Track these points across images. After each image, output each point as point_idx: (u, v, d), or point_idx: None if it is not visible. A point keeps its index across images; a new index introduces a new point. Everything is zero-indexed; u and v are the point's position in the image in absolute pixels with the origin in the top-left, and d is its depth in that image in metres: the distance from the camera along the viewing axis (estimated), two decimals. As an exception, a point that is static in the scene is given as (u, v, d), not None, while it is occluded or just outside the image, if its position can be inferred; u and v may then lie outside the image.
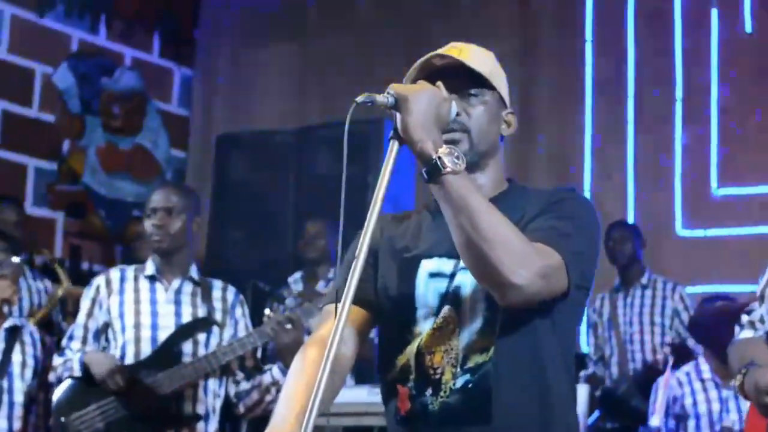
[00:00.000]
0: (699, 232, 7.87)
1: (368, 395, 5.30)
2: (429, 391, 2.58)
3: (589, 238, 2.61)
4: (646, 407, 5.95)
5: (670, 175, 8.13)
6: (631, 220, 8.09)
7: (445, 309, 2.59)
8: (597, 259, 2.66)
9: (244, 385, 4.89)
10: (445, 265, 2.61)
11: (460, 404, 2.54)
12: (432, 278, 2.62)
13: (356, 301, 2.58)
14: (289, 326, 4.66)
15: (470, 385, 2.54)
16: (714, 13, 8.18)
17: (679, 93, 8.24)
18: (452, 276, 2.60)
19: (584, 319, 8.08)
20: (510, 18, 8.77)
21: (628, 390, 6.85)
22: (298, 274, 7.04)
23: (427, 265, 2.64)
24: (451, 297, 2.59)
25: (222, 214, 8.24)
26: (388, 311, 2.68)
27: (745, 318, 3.49)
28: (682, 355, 6.47)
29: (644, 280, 7.22)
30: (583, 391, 6.16)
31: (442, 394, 2.56)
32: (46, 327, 6.17)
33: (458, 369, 2.55)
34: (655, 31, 8.41)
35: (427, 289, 2.62)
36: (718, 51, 8.13)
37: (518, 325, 2.54)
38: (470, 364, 2.55)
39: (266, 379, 4.84)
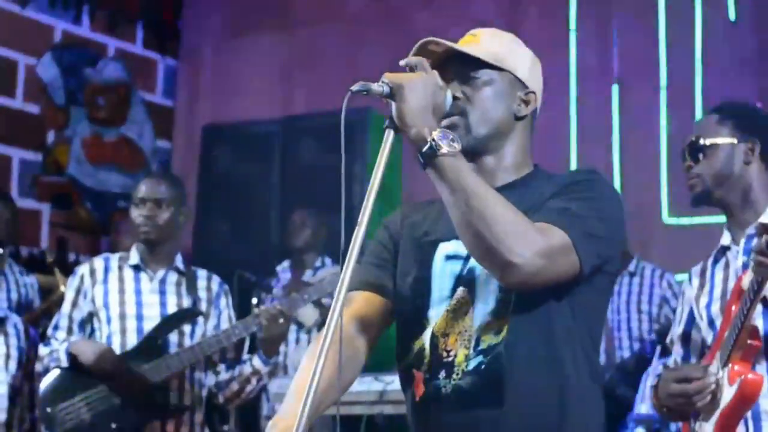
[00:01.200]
0: (685, 220, 7.88)
1: (358, 384, 5.30)
2: (442, 374, 2.56)
3: (607, 220, 2.55)
4: (632, 395, 5.95)
5: (655, 163, 8.14)
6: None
7: (459, 290, 2.59)
8: (620, 241, 2.61)
9: (224, 376, 4.87)
10: (461, 247, 2.57)
11: (473, 386, 2.52)
12: (448, 260, 2.62)
13: (374, 289, 2.67)
14: (281, 320, 4.64)
15: (483, 367, 2.52)
16: (698, 1, 8.19)
17: (663, 81, 8.24)
18: (467, 258, 2.59)
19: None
20: (495, 8, 8.76)
21: (614, 378, 6.86)
22: (286, 263, 7.05)
23: (444, 248, 2.64)
24: (465, 278, 2.59)
25: (208, 204, 8.24)
26: (404, 296, 2.67)
27: (660, 367, 3.61)
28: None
29: (632, 268, 7.22)
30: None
31: (454, 376, 2.54)
32: (32, 320, 6.15)
33: (471, 351, 2.54)
34: (638, 18, 8.41)
35: (443, 271, 2.62)
36: (702, 38, 8.13)
37: (532, 307, 2.51)
38: (483, 345, 2.53)
39: (246, 369, 4.82)
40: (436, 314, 2.60)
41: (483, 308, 2.55)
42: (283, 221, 7.25)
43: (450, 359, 2.55)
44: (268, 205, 7.93)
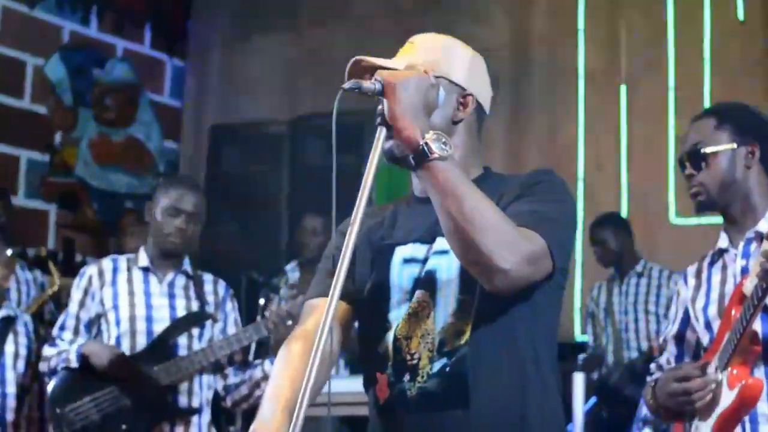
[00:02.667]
0: (693, 220, 7.87)
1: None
2: (407, 377, 2.57)
3: (568, 221, 2.60)
4: (640, 396, 5.95)
5: (663, 164, 8.13)
6: (624, 209, 8.09)
7: (418, 293, 2.59)
8: (575, 240, 2.65)
9: (233, 379, 4.89)
10: (419, 250, 2.61)
11: (438, 389, 2.53)
12: (406, 264, 2.62)
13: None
14: (290, 322, 4.64)
15: (447, 369, 2.53)
16: (706, 1, 8.18)
17: (671, 81, 8.23)
18: (425, 260, 2.60)
19: (579, 306, 8.12)
20: (503, 8, 8.76)
21: (622, 378, 6.85)
22: (294, 263, 7.05)
23: (401, 252, 2.64)
24: (424, 281, 2.59)
25: (216, 205, 8.23)
26: (365, 301, 2.68)
27: (652, 365, 3.59)
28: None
29: (639, 268, 7.22)
30: (579, 379, 6.17)
31: (419, 379, 2.55)
32: (40, 318, 6.15)
33: (435, 353, 2.54)
34: (647, 18, 8.40)
35: (401, 274, 2.62)
36: (711, 39, 8.12)
37: (495, 308, 2.52)
38: (447, 347, 2.54)
39: (257, 373, 4.84)
40: (397, 317, 2.61)
41: (444, 310, 2.55)
42: (291, 221, 7.25)
43: (414, 362, 2.56)
44: (276, 205, 7.94)
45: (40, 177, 8.73)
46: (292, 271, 6.99)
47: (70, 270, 6.89)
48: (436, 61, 2.64)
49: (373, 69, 2.52)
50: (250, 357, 4.98)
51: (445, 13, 8.53)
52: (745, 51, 7.97)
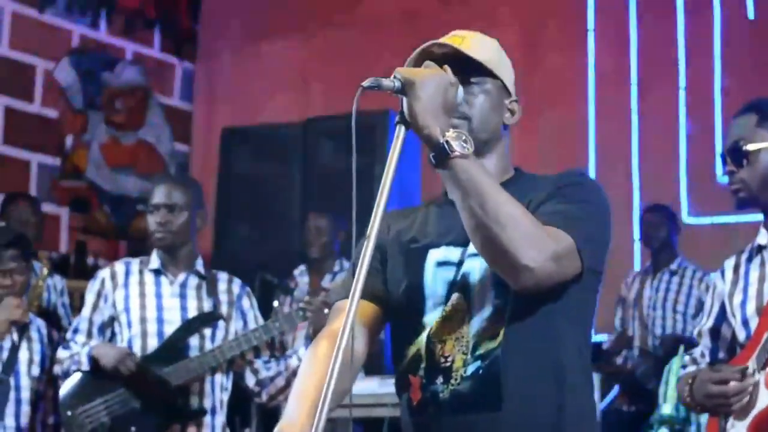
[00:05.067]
0: (705, 220, 7.87)
1: (379, 386, 5.31)
2: (440, 380, 2.56)
3: (599, 222, 2.59)
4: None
5: (675, 163, 8.12)
6: (636, 209, 8.08)
7: (454, 297, 2.58)
8: (609, 242, 2.63)
9: (266, 373, 4.89)
10: (453, 253, 2.59)
11: (471, 391, 2.53)
12: (440, 267, 2.61)
13: (366, 296, 2.61)
14: (327, 311, 4.63)
15: (480, 372, 2.52)
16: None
17: (682, 81, 8.22)
18: (460, 264, 2.59)
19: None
20: (513, 8, 8.75)
21: (646, 372, 6.87)
22: (303, 267, 7.04)
23: (434, 255, 2.63)
24: (460, 285, 2.58)
25: (228, 208, 8.25)
26: (397, 304, 2.67)
27: (687, 358, 3.59)
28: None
29: (674, 266, 7.25)
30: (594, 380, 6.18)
31: (452, 381, 2.54)
32: (53, 322, 6.14)
33: (469, 356, 2.54)
34: (657, 18, 8.39)
35: (435, 278, 2.61)
36: (721, 37, 8.11)
37: (529, 311, 2.52)
38: (481, 350, 2.53)
39: (293, 362, 4.85)
40: (431, 320, 2.60)
41: (480, 314, 2.55)
42: (304, 223, 7.23)
43: (447, 365, 2.56)
44: (289, 206, 7.93)
45: (52, 181, 8.74)
46: (301, 275, 6.98)
47: (83, 273, 6.90)
48: (494, 62, 2.65)
49: (433, 58, 2.53)
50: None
51: (456, 14, 8.52)
52: (756, 49, 7.95)
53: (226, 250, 8.01)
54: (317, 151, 7.96)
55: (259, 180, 8.15)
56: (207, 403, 4.79)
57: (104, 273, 4.96)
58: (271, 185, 8.09)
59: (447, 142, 2.37)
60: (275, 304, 5.21)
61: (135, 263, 4.97)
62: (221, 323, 4.86)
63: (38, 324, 5.33)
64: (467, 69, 2.59)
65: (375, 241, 2.32)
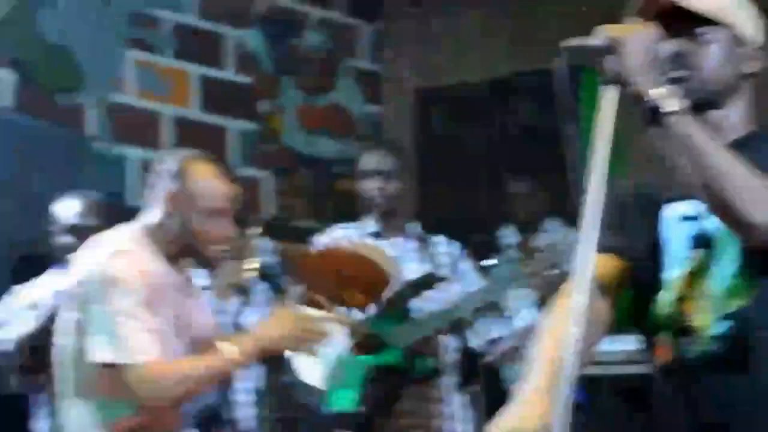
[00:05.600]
0: None
1: (633, 344, 5.23)
2: (687, 340, 2.50)
3: None
4: None
5: None
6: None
7: (697, 252, 2.51)
8: None
9: (491, 334, 4.96)
10: (695, 206, 2.49)
11: (720, 351, 2.45)
12: (682, 221, 2.55)
13: (611, 251, 2.57)
14: (555, 271, 4.63)
15: (729, 331, 2.45)
16: None
17: None
18: (700, 217, 2.50)
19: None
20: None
21: None
22: (509, 227, 7.07)
23: (677, 208, 2.57)
24: (702, 239, 2.50)
25: (427, 169, 8.31)
26: (639, 259, 2.61)
27: None
28: None
29: None
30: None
31: (700, 341, 2.48)
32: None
33: (716, 315, 2.46)
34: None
35: (677, 232, 2.55)
36: None
37: None
38: (728, 309, 2.46)
39: (518, 323, 4.93)
40: (674, 277, 2.53)
41: (724, 271, 2.46)
42: (497, 182, 7.26)
43: (694, 324, 2.48)
44: (487, 167, 7.96)
45: (251, 145, 8.94)
46: (507, 237, 6.98)
47: (292, 236, 7.02)
48: (723, 10, 2.56)
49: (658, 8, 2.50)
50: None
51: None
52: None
53: (428, 211, 8.09)
54: (508, 110, 7.95)
55: (456, 140, 8.18)
56: (436, 364, 4.88)
57: (324, 240, 5.10)
58: (468, 145, 8.12)
59: (660, 97, 2.32)
60: (489, 263, 5.21)
61: (351, 229, 5.10)
62: (442, 285, 4.94)
63: (261, 287, 5.49)
64: (692, 19, 2.52)
65: (612, 197, 2.29)
